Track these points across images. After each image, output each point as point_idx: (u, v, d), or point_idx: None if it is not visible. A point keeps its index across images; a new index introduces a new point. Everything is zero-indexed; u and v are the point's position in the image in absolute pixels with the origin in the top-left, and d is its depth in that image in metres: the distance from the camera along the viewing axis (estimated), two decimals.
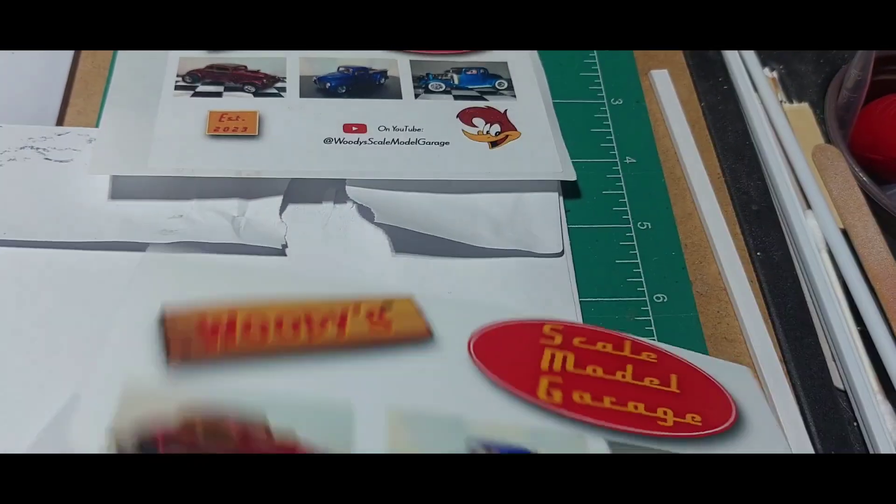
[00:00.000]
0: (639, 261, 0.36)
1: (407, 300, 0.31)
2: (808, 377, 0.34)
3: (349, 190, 0.35)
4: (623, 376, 0.30)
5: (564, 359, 0.30)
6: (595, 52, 0.44)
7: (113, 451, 0.25)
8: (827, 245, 0.38)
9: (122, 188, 0.35)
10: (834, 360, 0.35)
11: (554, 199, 0.37)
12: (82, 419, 0.26)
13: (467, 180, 0.37)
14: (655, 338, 0.34)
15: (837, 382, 0.34)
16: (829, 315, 0.35)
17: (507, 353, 0.30)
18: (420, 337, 0.30)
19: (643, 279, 0.36)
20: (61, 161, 0.36)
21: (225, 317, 0.29)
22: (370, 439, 0.26)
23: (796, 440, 0.32)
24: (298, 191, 0.36)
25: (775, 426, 0.31)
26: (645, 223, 0.38)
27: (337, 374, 0.28)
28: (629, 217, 0.38)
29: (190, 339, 0.28)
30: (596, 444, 0.28)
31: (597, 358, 0.30)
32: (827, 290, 0.36)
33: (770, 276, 0.37)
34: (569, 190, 0.38)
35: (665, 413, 0.29)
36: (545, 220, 0.36)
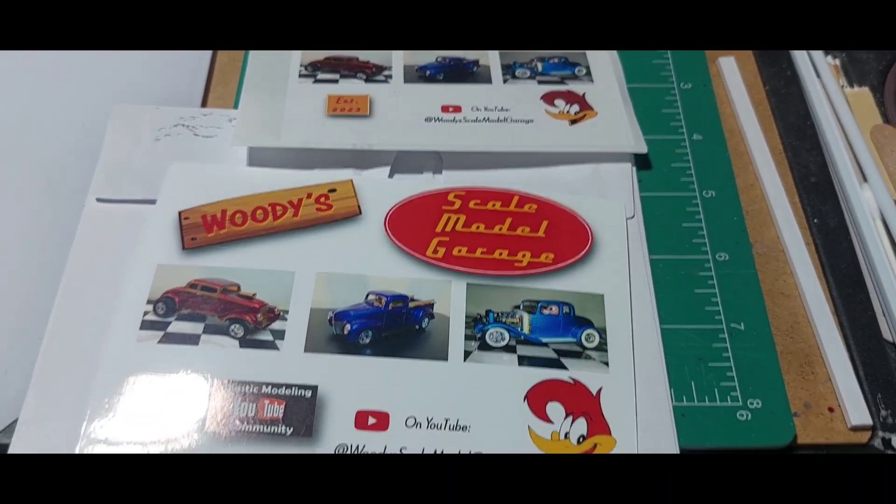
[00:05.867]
0: (703, 224, 0.41)
1: (348, 182, 0.40)
2: (858, 329, 0.38)
3: (446, 173, 0.41)
4: (500, 229, 0.39)
5: (457, 220, 0.39)
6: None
7: (150, 311, 0.36)
8: (881, 213, 0.41)
9: (258, 158, 0.42)
10: (884, 315, 0.38)
11: (627, 169, 0.42)
12: (128, 292, 0.36)
13: (549, 153, 0.42)
14: (717, 292, 0.38)
15: (886, 335, 0.38)
16: (880, 274, 0.39)
17: (412, 221, 0.39)
18: (352, 214, 0.39)
19: (706, 240, 0.40)
20: (207, 136, 0.43)
21: (219, 211, 0.39)
22: (302, 296, 0.36)
23: (846, 388, 0.36)
24: (403, 162, 0.42)
25: (623, 250, 0.39)
26: (710, 192, 0.42)
27: (289, 248, 0.38)
28: (695, 186, 0.42)
29: (196, 230, 0.38)
30: (458, 286, 0.37)
31: (483, 216, 0.39)
32: (879, 252, 0.40)
33: (825, 240, 0.41)
34: (641, 163, 0.43)
35: (523, 256, 0.38)
36: (619, 187, 0.41)
